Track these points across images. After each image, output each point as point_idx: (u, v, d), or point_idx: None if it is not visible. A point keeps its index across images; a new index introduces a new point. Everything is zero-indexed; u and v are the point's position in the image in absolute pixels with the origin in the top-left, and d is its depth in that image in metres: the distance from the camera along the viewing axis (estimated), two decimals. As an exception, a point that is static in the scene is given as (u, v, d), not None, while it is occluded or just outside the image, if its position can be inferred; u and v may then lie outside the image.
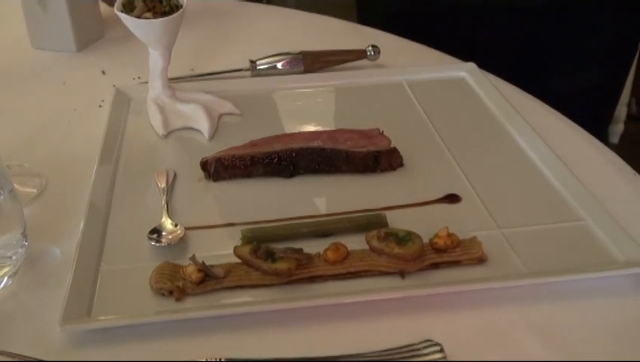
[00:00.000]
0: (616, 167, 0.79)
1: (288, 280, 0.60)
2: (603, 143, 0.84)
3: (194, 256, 0.61)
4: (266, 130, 0.81)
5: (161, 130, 0.85)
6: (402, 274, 0.61)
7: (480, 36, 1.13)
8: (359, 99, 0.94)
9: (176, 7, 0.81)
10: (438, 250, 0.63)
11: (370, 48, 1.01)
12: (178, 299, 0.59)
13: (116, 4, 0.81)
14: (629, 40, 1.22)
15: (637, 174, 0.77)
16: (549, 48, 1.17)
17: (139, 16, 0.80)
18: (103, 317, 0.58)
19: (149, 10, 0.80)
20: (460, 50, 1.05)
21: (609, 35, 1.16)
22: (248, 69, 0.99)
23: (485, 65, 0.99)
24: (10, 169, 0.74)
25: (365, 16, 1.26)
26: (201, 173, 0.77)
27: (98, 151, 0.79)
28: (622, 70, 1.28)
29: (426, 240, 0.63)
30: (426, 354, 0.54)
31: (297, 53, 1.00)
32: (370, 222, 0.67)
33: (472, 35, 1.13)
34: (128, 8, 0.81)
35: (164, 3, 0.81)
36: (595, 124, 1.07)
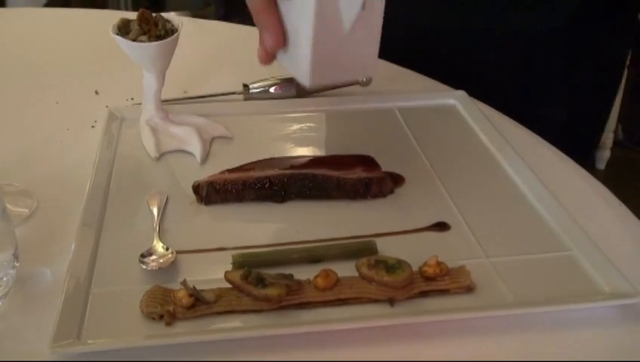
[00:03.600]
0: (602, 197, 0.80)
1: (278, 306, 0.61)
2: (590, 168, 0.85)
3: (185, 280, 0.61)
4: (258, 154, 0.82)
5: (153, 152, 0.85)
6: (391, 301, 0.62)
7: (469, 63, 1.15)
8: (351, 124, 0.95)
9: (171, 31, 0.82)
10: (427, 279, 0.64)
11: (362, 74, 1.02)
12: (168, 324, 0.60)
13: (112, 27, 0.82)
14: (615, 69, 1.24)
15: (622, 204, 0.79)
16: (539, 76, 1.19)
17: (134, 40, 0.81)
18: (92, 341, 0.58)
19: (144, 34, 0.81)
20: (447, 77, 1.06)
21: (598, 63, 1.18)
22: (241, 93, 1.00)
23: (473, 92, 1.00)
24: (1, 188, 0.74)
25: None
26: (193, 196, 0.77)
27: (90, 172, 0.79)
28: (608, 99, 1.30)
29: (415, 268, 0.64)
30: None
31: (290, 78, 1.01)
32: (360, 249, 0.68)
33: (461, 61, 1.14)
34: (124, 31, 0.81)
35: (160, 27, 0.82)
36: (582, 150, 1.08)
